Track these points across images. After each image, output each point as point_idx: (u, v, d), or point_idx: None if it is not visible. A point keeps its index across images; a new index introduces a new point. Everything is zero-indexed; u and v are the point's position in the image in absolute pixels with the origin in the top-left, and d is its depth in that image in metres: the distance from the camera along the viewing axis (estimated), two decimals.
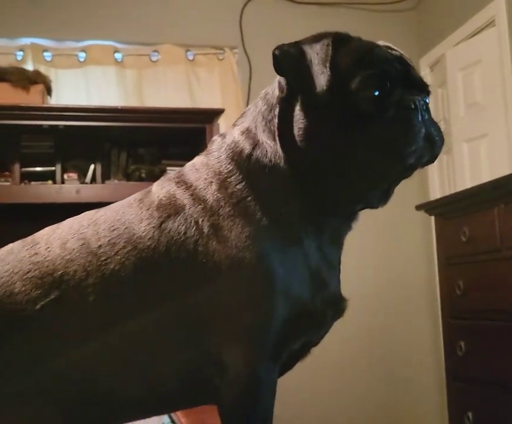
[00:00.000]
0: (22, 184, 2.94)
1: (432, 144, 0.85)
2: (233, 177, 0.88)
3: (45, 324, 0.84)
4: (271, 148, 0.89)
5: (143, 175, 3.05)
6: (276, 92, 0.93)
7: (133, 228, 0.87)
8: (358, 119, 0.82)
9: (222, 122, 3.01)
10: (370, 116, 0.82)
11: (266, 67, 4.15)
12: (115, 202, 0.95)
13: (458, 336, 2.70)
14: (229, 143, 0.92)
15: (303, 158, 0.87)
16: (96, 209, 0.93)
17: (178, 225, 0.85)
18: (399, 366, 3.74)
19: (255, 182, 0.87)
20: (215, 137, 0.98)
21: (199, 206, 0.86)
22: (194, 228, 0.85)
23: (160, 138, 3.17)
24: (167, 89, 3.58)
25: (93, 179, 3.08)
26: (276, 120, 0.90)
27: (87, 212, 0.94)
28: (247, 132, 0.92)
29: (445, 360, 2.86)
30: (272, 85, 0.96)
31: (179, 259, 0.84)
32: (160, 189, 0.92)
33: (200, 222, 0.85)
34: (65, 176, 3.02)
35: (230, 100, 3.57)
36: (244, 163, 0.89)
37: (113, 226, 0.88)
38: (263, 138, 0.90)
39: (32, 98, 2.92)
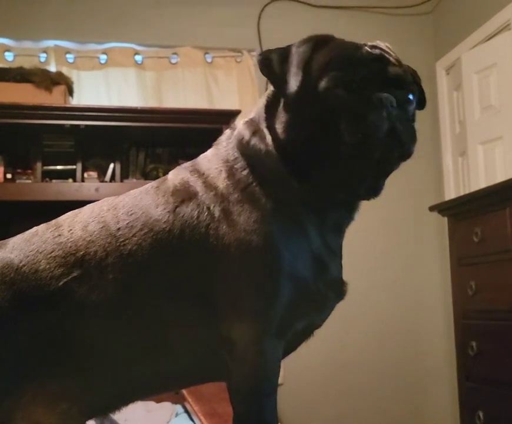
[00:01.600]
0: (44, 181, 3.04)
1: (398, 140, 0.88)
2: (238, 164, 0.94)
3: (67, 299, 0.89)
4: (267, 135, 0.95)
5: (160, 174, 3.10)
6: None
7: (150, 212, 0.92)
8: (327, 117, 0.88)
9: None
10: (338, 115, 0.87)
11: None
12: None
13: (470, 336, 2.72)
14: (236, 133, 0.98)
15: (286, 149, 0.93)
16: (115, 196, 0.99)
17: (191, 210, 0.91)
18: (412, 366, 3.76)
19: (256, 168, 0.93)
20: (226, 130, 1.03)
21: (211, 193, 0.92)
22: (206, 213, 0.90)
23: (177, 138, 3.23)
24: (185, 91, 3.65)
25: (113, 178, 3.15)
26: (265, 113, 0.97)
27: (106, 198, 1.00)
28: (251, 122, 0.98)
29: (457, 359, 2.88)
30: None
31: (192, 241, 0.89)
32: (175, 177, 0.98)
33: (211, 208, 0.90)
34: (85, 174, 3.10)
35: (248, 102, 3.62)
36: (245, 149, 0.95)
37: (131, 210, 0.94)
38: (262, 126, 0.96)
39: (54, 98, 3.00)
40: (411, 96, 0.92)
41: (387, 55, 0.92)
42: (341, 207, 0.96)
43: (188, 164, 1.01)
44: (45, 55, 3.49)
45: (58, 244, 0.92)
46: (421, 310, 3.83)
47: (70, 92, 3.16)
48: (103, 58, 3.58)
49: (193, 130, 3.08)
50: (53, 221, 0.99)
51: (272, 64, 0.93)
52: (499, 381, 2.53)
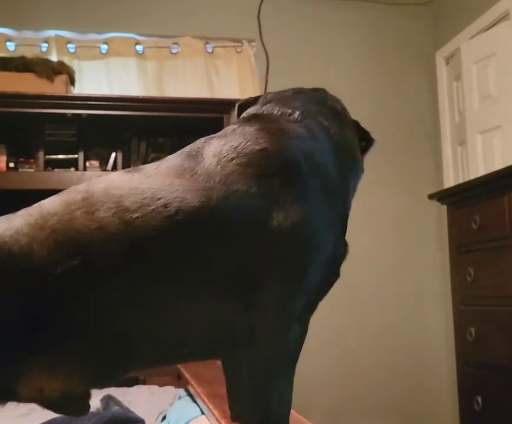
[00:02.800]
0: (46, 170, 3.06)
1: None
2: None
3: (70, 281, 0.86)
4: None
5: None
6: None
7: (187, 199, 0.88)
8: None
9: None
10: None
11: (283, 60, 4.26)
12: None
13: (469, 322, 2.75)
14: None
15: None
16: (129, 175, 0.94)
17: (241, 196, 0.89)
18: (411, 352, 3.79)
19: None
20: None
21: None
22: (270, 199, 0.89)
23: (179, 128, 3.25)
24: (186, 80, 3.67)
25: (114, 167, 3.17)
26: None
27: (117, 177, 0.94)
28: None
29: (456, 345, 2.91)
30: None
31: (241, 227, 0.89)
32: (215, 155, 0.94)
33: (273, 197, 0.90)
34: (87, 163, 3.12)
35: (248, 91, 3.64)
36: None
37: (157, 195, 0.88)
38: None
39: (56, 87, 3.01)
40: None
41: None
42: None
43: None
44: (46, 44, 3.50)
45: (55, 231, 0.87)
46: (420, 297, 3.87)
47: (71, 81, 3.17)
48: (104, 47, 3.60)
49: (195, 119, 3.10)
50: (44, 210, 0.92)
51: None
52: (498, 366, 2.55)
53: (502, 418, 2.50)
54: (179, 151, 0.98)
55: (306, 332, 0.92)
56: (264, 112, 1.04)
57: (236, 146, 0.92)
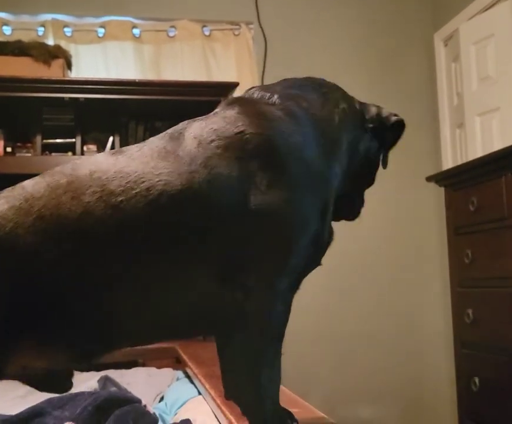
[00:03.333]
0: (44, 155, 3.05)
1: None
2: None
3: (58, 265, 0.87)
4: None
5: None
6: None
7: (172, 181, 0.89)
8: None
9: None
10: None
11: (281, 42, 4.22)
12: None
13: (466, 304, 2.76)
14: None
15: None
16: (114, 157, 0.94)
17: (227, 176, 0.90)
18: (409, 334, 3.81)
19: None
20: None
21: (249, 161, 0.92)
22: (249, 181, 0.90)
23: (176, 111, 3.20)
24: (184, 64, 3.65)
25: None
26: None
27: (102, 160, 0.95)
28: None
29: (454, 327, 2.93)
30: None
31: (223, 207, 0.90)
32: (195, 137, 0.95)
33: (250, 174, 0.91)
34: (85, 148, 3.12)
35: (246, 74, 3.63)
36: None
37: (142, 178, 0.89)
38: None
39: (53, 72, 2.99)
40: None
41: None
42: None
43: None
44: (42, 28, 3.49)
45: (41, 217, 0.88)
46: (418, 279, 3.88)
47: (68, 65, 3.16)
48: (101, 31, 3.58)
49: (192, 103, 3.08)
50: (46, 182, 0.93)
51: None
52: (495, 347, 2.56)
53: (499, 399, 2.51)
54: (162, 133, 1.00)
55: (290, 309, 0.94)
56: (246, 97, 1.06)
57: (216, 129, 0.94)
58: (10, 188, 0.95)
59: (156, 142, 0.97)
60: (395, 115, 1.17)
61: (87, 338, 0.93)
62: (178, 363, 2.36)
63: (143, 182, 0.88)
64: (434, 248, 3.85)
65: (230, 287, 0.91)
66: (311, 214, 0.94)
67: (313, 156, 0.97)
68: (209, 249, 0.90)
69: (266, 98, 1.02)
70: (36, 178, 0.95)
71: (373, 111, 1.16)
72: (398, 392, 3.75)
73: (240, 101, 1.03)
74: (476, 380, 2.66)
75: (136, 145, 0.98)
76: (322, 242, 0.98)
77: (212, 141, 0.92)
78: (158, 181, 0.88)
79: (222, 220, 0.90)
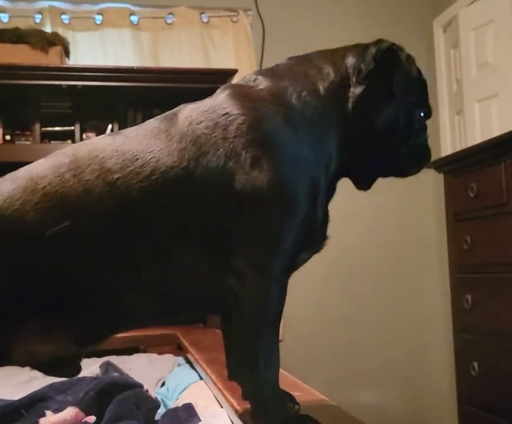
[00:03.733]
0: (43, 143, 3.05)
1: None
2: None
3: (57, 245, 0.89)
4: None
5: None
6: None
7: (162, 159, 0.92)
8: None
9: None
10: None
11: (279, 29, 4.21)
12: None
13: (465, 289, 2.77)
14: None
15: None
16: (111, 138, 0.97)
17: (216, 159, 0.91)
18: (408, 320, 3.83)
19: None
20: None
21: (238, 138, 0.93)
22: (233, 161, 0.91)
23: (175, 98, 3.16)
24: (182, 51, 3.64)
25: None
26: None
27: (99, 140, 0.98)
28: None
29: (453, 312, 2.94)
30: None
31: (212, 187, 0.90)
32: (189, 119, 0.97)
33: (238, 154, 0.91)
34: (84, 135, 3.11)
35: (244, 61, 3.62)
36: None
37: (136, 156, 0.92)
38: None
39: (50, 59, 2.98)
40: None
41: None
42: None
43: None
44: (40, 16, 3.47)
45: (46, 194, 0.90)
46: (417, 265, 3.89)
47: (66, 53, 3.15)
48: (98, 18, 3.57)
49: (190, 90, 3.07)
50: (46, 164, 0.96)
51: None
52: (493, 332, 2.58)
53: (498, 383, 2.53)
54: (158, 116, 1.02)
55: (285, 294, 0.93)
56: (239, 82, 1.07)
57: (206, 110, 0.96)
58: (13, 172, 0.97)
59: (151, 123, 0.99)
60: (378, 41, 1.17)
61: (92, 320, 0.94)
62: (179, 350, 2.37)
63: (137, 159, 0.91)
64: (433, 234, 3.86)
65: (221, 269, 0.92)
66: (297, 194, 0.92)
67: (298, 136, 0.96)
68: (198, 229, 0.91)
69: (252, 80, 1.03)
70: (39, 160, 0.99)
71: (356, 64, 1.13)
72: (397, 376, 3.78)
73: (233, 85, 1.04)
74: (476, 364, 2.67)
75: (133, 127, 1.01)
76: (314, 224, 0.97)
77: (201, 121, 0.95)
78: (150, 158, 0.91)
79: (208, 200, 0.91)
